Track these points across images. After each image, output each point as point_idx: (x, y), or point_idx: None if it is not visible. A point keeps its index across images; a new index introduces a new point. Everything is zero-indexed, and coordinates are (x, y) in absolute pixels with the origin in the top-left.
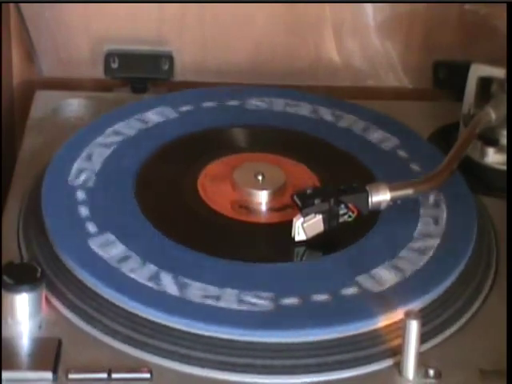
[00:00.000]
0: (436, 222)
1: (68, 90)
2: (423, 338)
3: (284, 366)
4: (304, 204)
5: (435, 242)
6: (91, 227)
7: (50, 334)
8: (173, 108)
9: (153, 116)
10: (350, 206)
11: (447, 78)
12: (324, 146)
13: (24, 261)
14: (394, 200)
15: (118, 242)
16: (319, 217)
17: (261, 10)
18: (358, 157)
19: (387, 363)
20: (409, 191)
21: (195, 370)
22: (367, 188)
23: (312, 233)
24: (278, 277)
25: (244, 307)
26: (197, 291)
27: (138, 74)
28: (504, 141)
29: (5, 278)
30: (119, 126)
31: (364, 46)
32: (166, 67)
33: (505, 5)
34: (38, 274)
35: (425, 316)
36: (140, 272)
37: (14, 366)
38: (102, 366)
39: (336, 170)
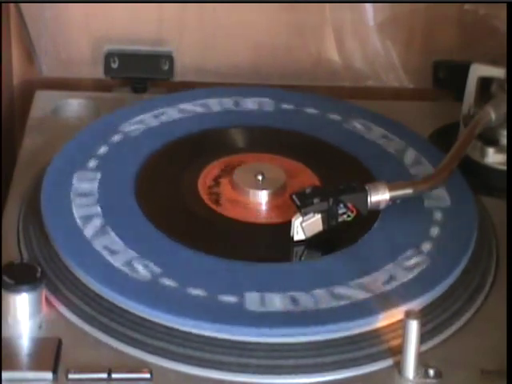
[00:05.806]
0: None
1: (68, 90)
2: (423, 338)
3: (284, 365)
4: (303, 203)
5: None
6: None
7: (49, 334)
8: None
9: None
10: (349, 205)
11: (447, 77)
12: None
13: (24, 261)
14: (393, 200)
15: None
16: (318, 216)
17: (261, 10)
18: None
19: (387, 363)
20: (408, 191)
21: (195, 370)
22: (366, 187)
23: (311, 232)
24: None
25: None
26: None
27: (138, 74)
28: (504, 141)
29: (5, 278)
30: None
31: (364, 47)
32: (165, 67)
33: (505, 5)
34: (38, 274)
35: (425, 316)
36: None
37: (13, 366)
38: (101, 366)
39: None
